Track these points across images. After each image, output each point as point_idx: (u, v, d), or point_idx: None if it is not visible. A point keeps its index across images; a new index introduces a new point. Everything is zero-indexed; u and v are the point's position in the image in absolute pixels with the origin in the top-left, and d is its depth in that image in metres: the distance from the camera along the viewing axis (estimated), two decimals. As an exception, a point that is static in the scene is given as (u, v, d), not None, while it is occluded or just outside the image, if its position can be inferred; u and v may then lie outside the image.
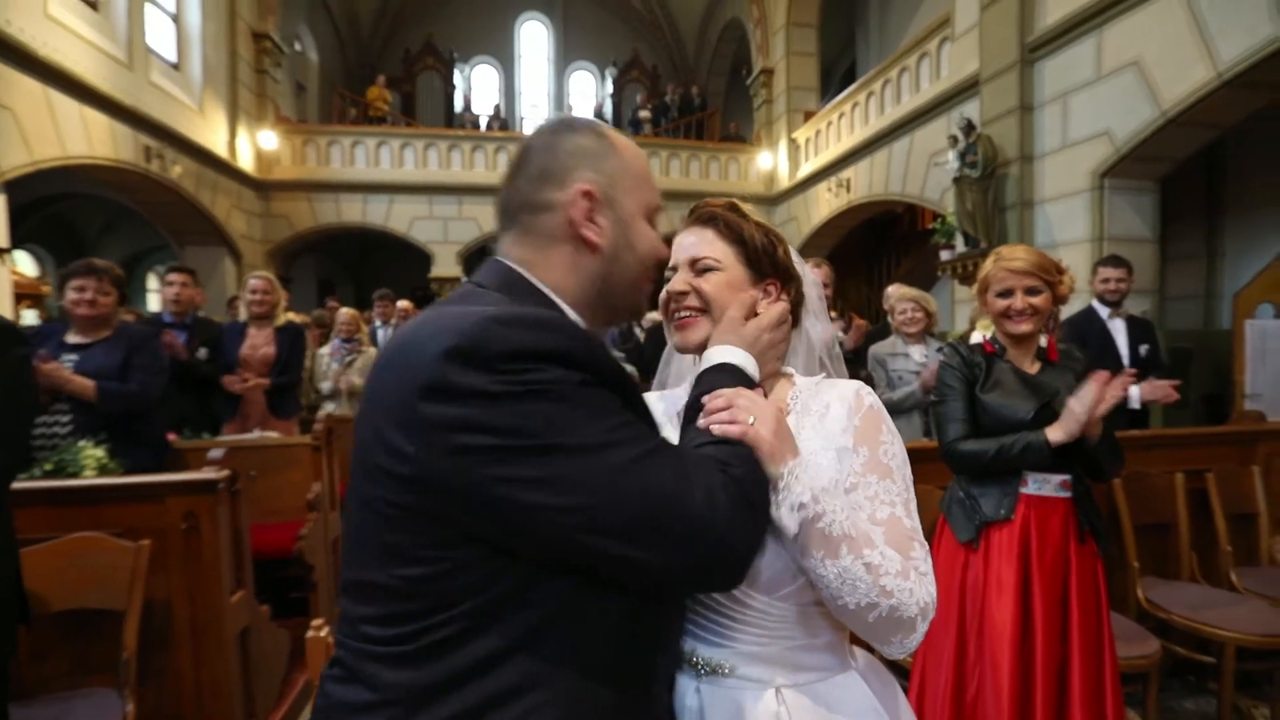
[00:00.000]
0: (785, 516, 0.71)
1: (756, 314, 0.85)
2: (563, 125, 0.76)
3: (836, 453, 0.80)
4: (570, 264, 0.73)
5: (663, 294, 0.89)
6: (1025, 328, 1.72)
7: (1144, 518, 2.49)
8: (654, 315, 7.74)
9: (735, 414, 0.71)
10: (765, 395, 0.87)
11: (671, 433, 0.82)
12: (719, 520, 0.60)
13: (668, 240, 0.85)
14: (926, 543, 0.79)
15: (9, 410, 1.20)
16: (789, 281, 0.90)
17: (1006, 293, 1.73)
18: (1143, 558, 2.41)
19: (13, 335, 1.24)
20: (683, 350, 0.89)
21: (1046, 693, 1.60)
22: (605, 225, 0.73)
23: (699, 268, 0.87)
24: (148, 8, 6.99)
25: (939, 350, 3.22)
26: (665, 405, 0.95)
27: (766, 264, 0.88)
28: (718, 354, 0.78)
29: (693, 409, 0.74)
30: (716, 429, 0.70)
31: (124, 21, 6.58)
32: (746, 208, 0.91)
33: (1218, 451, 2.75)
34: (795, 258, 0.95)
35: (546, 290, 0.73)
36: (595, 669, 0.63)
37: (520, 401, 0.57)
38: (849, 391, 0.84)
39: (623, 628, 0.65)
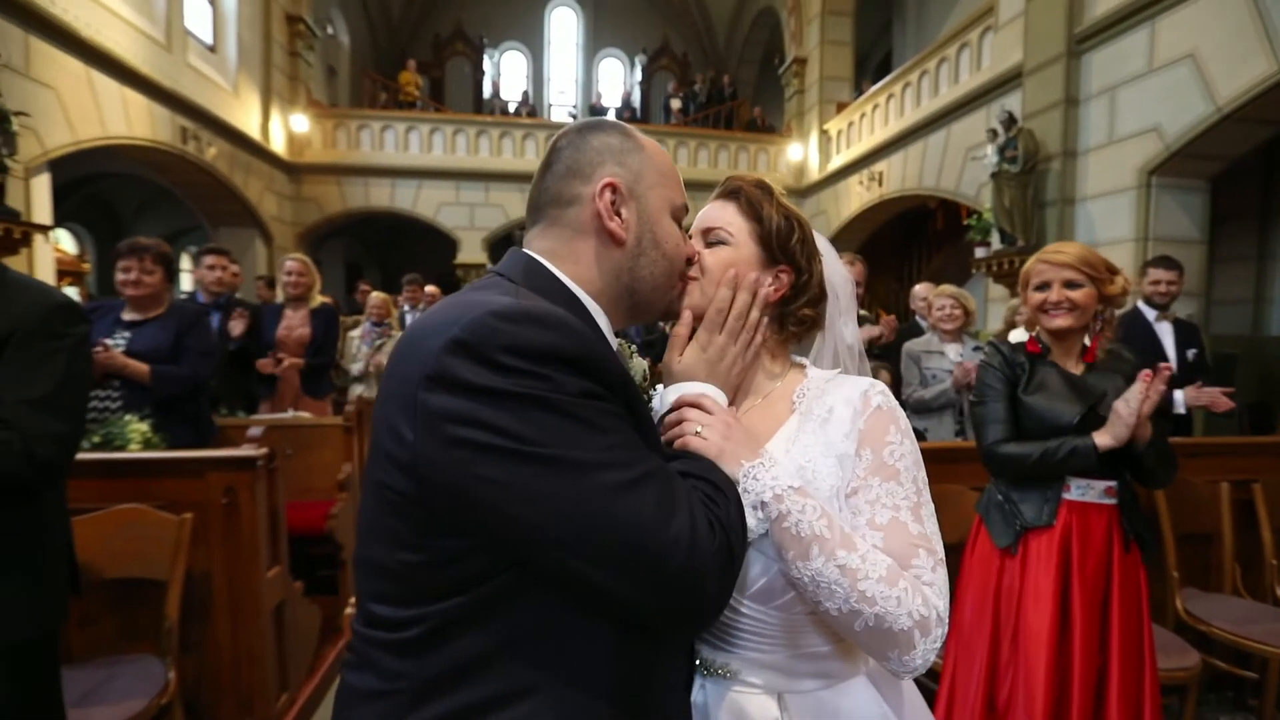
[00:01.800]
0: (747, 517, 0.70)
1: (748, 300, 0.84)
2: (590, 125, 0.78)
3: (838, 459, 0.76)
4: (595, 257, 0.74)
5: None
6: (1061, 322, 1.65)
7: (1185, 527, 2.41)
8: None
9: (681, 428, 0.74)
10: (779, 384, 0.87)
11: None
12: (697, 562, 0.59)
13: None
14: (940, 551, 0.74)
15: (71, 384, 1.23)
16: (802, 273, 0.86)
17: (1044, 286, 1.67)
18: (1182, 568, 2.34)
19: (75, 312, 1.27)
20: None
21: (1082, 705, 1.56)
22: (629, 219, 0.74)
23: (710, 239, 0.85)
24: (187, -10, 7.10)
25: (975, 349, 3.15)
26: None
27: (777, 249, 0.84)
28: (680, 390, 0.79)
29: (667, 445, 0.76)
30: (672, 440, 0.74)
31: (163, 3, 6.68)
32: (777, 190, 0.88)
33: (1266, 462, 2.65)
34: (827, 253, 0.91)
35: (569, 283, 0.73)
36: (591, 680, 0.63)
37: (520, 404, 0.57)
38: (855, 393, 0.79)
39: (618, 642, 0.64)
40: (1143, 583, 1.69)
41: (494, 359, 0.57)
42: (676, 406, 0.77)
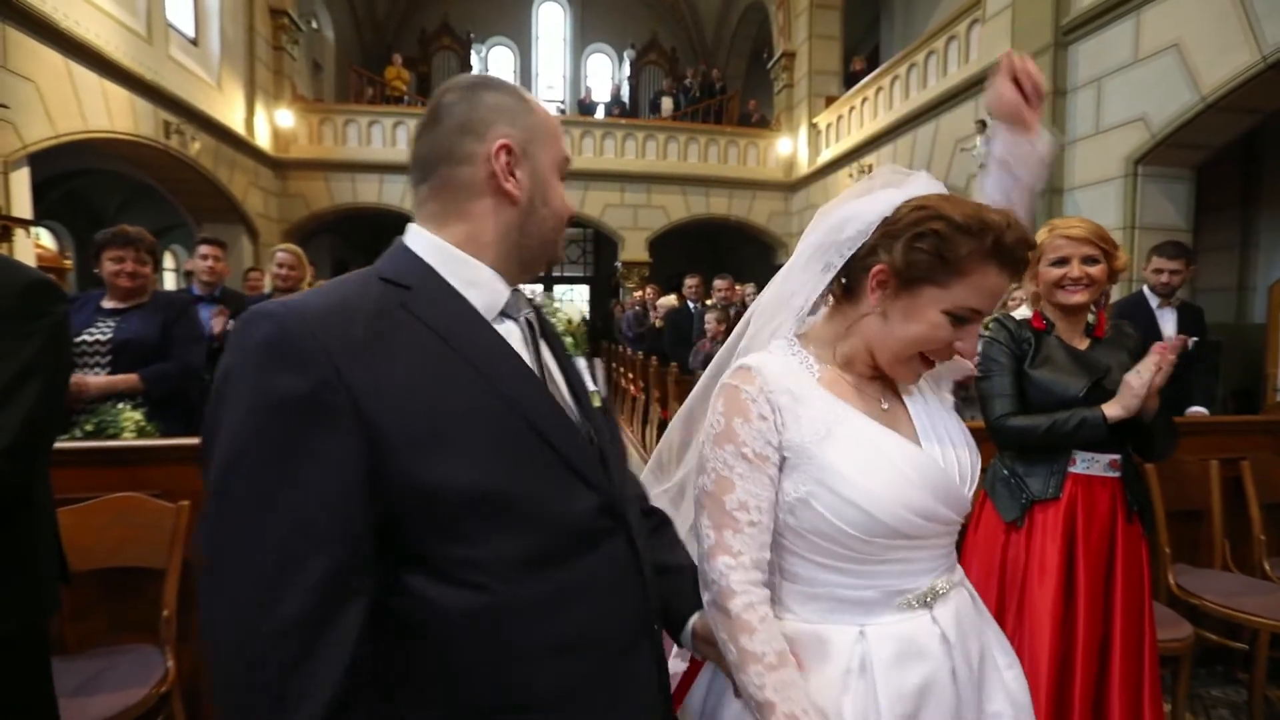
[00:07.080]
0: None
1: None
2: (481, 82, 0.78)
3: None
4: (488, 216, 0.75)
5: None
6: (1080, 298, 1.63)
7: (1176, 504, 2.45)
8: (667, 300, 7.58)
9: None
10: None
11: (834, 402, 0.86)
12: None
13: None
14: None
15: (50, 367, 1.16)
16: None
17: (1062, 261, 1.64)
18: (1174, 544, 2.38)
19: (53, 292, 1.18)
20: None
21: (1085, 675, 1.58)
22: (523, 179, 0.75)
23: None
24: (168, -19, 6.97)
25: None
26: (792, 381, 0.84)
27: None
28: None
29: None
30: None
31: (145, -5, 6.56)
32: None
33: (1253, 440, 2.70)
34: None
35: (431, 254, 0.73)
36: None
37: None
38: None
39: None
40: (1144, 555, 1.70)
41: None
42: None
